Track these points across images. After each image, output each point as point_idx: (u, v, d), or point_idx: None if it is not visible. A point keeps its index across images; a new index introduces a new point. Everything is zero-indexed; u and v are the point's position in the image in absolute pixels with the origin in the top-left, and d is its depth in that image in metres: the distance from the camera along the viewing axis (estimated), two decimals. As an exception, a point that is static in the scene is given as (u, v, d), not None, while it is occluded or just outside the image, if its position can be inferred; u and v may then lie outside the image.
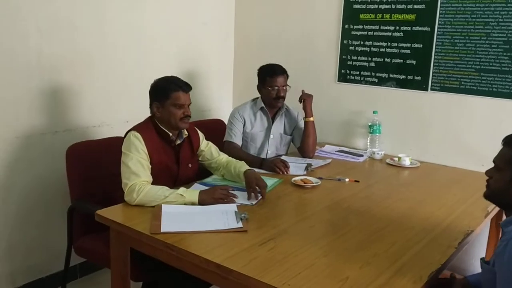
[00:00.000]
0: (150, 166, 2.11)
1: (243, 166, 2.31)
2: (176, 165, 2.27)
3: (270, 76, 2.79)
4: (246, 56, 3.63)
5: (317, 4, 3.30)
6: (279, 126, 2.95)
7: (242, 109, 2.89)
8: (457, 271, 2.03)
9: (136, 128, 2.17)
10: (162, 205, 1.96)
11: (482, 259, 1.60)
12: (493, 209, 2.13)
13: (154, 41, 3.12)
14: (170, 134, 2.23)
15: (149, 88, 2.23)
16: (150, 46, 3.10)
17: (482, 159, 2.57)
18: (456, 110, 2.83)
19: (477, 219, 2.05)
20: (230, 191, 2.09)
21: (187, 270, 1.69)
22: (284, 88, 2.83)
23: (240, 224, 1.84)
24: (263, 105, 2.88)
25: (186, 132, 2.30)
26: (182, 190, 2.02)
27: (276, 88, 2.80)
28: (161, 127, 2.21)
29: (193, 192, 2.03)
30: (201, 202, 2.01)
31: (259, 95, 2.92)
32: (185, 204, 1.99)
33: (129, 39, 2.96)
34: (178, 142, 2.27)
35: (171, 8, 3.19)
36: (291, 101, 2.98)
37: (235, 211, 1.97)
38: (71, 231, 2.37)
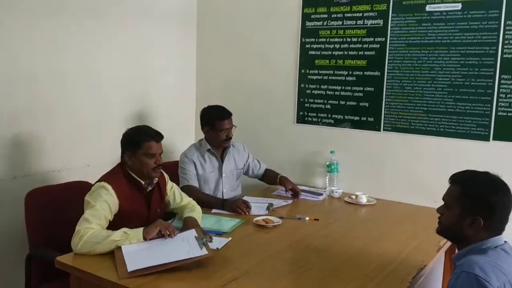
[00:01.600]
0: (109, 218, 2.11)
1: (190, 212, 2.33)
2: (147, 211, 2.28)
3: (220, 120, 2.86)
4: (207, 99, 3.69)
5: (275, 49, 3.46)
6: (229, 163, 3.00)
7: (190, 153, 2.93)
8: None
9: (106, 178, 2.17)
10: (122, 246, 1.94)
11: (435, 292, 1.69)
12: (445, 243, 2.25)
13: (115, 86, 3.16)
14: (142, 182, 2.25)
15: (109, 132, 2.26)
16: (111, 91, 3.14)
17: (434, 195, 2.68)
18: (407, 149, 2.99)
19: (430, 253, 2.15)
20: (171, 227, 2.08)
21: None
22: (232, 128, 2.92)
23: (204, 251, 1.89)
24: (209, 147, 2.93)
25: (156, 179, 2.32)
26: (125, 229, 2.01)
27: (226, 130, 2.88)
28: (133, 175, 2.23)
29: (137, 229, 2.02)
30: (145, 239, 2.00)
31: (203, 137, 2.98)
32: (130, 243, 1.96)
33: (89, 84, 2.99)
34: (149, 189, 2.29)
35: (132, 54, 3.27)
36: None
37: (195, 236, 2.01)
38: (29, 280, 2.30)
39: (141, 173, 2.22)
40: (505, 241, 1.56)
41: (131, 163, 2.21)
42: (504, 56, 2.65)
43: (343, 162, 3.20)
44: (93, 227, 2.00)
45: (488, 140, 2.72)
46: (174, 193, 2.46)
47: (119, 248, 1.94)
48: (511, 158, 2.65)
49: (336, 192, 3.07)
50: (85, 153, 2.95)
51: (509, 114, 2.65)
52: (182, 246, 1.94)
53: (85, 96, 2.98)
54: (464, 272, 1.42)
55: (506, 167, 2.60)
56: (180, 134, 3.69)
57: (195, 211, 2.38)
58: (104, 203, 2.08)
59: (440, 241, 2.22)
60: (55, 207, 2.39)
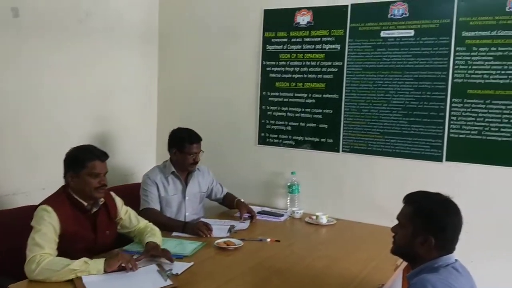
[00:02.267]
0: (57, 240, 2.06)
1: (150, 237, 2.29)
2: (93, 234, 2.23)
3: (190, 143, 2.86)
4: (169, 120, 3.70)
5: (237, 71, 3.50)
6: (193, 187, 2.99)
7: (153, 175, 2.90)
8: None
9: (46, 201, 2.13)
10: (83, 276, 1.90)
11: (391, 310, 1.72)
12: (402, 262, 2.30)
13: (72, 106, 3.10)
14: (85, 204, 2.21)
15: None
16: (69, 111, 3.08)
17: (391, 215, 2.73)
18: (365, 169, 3.07)
19: (387, 272, 2.20)
20: (132, 260, 2.05)
21: None
22: (200, 153, 2.92)
23: (169, 282, 1.89)
24: (173, 169, 2.91)
25: (102, 199, 2.28)
26: (86, 259, 1.97)
27: (194, 154, 2.88)
28: (75, 197, 2.18)
29: (97, 261, 1.98)
30: (106, 272, 1.97)
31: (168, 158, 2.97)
32: (89, 273, 1.92)
33: (46, 104, 2.93)
34: (94, 210, 2.25)
35: (91, 72, 3.22)
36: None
37: (157, 270, 2.01)
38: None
39: (84, 193, 2.18)
40: (456, 260, 1.62)
41: (74, 183, 2.17)
42: (454, 80, 2.79)
43: (304, 182, 3.25)
44: (48, 251, 1.96)
45: (441, 161, 2.84)
46: (129, 216, 2.43)
47: (79, 278, 1.89)
48: (463, 178, 2.77)
49: (297, 212, 3.11)
50: (41, 176, 2.87)
51: (460, 136, 2.78)
52: (146, 279, 1.93)
53: (41, 117, 2.91)
54: (418, 291, 1.47)
55: (458, 187, 2.73)
56: (141, 155, 3.65)
57: (156, 235, 2.34)
58: (49, 226, 2.04)
59: (397, 260, 2.27)
60: (8, 233, 2.30)
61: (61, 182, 2.24)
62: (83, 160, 2.16)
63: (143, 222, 2.47)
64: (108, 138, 3.34)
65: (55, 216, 2.07)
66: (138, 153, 3.62)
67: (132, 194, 2.85)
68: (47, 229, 2.02)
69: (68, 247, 2.04)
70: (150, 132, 3.78)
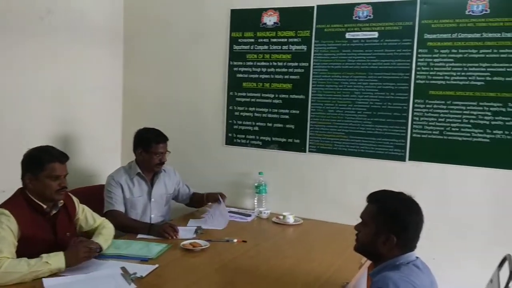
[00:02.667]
0: (16, 243, 2.00)
1: (96, 237, 2.26)
2: (53, 236, 2.17)
3: (156, 143, 2.82)
4: (135, 120, 3.64)
5: (204, 72, 3.48)
6: (159, 188, 2.95)
7: (117, 176, 2.85)
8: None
9: (4, 205, 2.07)
10: (44, 280, 1.86)
11: (355, 308, 1.75)
12: (366, 260, 2.33)
13: (34, 107, 3.01)
14: (44, 206, 2.15)
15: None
16: (31, 112, 2.99)
17: (356, 214, 2.79)
18: (331, 169, 3.11)
19: (352, 271, 2.23)
20: (92, 246, 2.06)
21: None
22: (166, 153, 2.89)
23: (133, 285, 1.88)
24: (139, 170, 2.87)
25: (62, 201, 2.23)
26: (45, 257, 1.94)
27: (161, 154, 2.84)
28: (34, 199, 2.12)
29: (57, 257, 1.96)
30: (68, 266, 1.96)
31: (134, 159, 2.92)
32: (51, 272, 1.91)
33: (4, 103, 2.83)
34: (54, 212, 2.19)
35: (55, 73, 3.14)
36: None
37: (121, 274, 1.98)
38: None
39: (44, 196, 2.12)
40: (416, 257, 1.65)
41: (32, 186, 2.11)
42: (417, 81, 2.85)
43: (271, 183, 3.26)
44: (7, 255, 1.91)
45: (404, 160, 2.90)
46: (86, 216, 2.38)
47: (40, 280, 1.85)
48: (425, 177, 2.84)
49: (264, 213, 3.11)
50: (1, 178, 2.77)
51: (422, 136, 2.85)
52: (109, 282, 1.91)
53: (3, 115, 2.81)
54: (379, 288, 1.50)
55: (421, 185, 2.80)
56: (105, 156, 3.57)
57: (102, 234, 2.29)
58: (7, 230, 1.98)
59: (362, 259, 2.30)
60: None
61: (20, 185, 2.17)
62: (42, 162, 2.10)
63: (99, 221, 2.43)
64: (71, 139, 3.26)
65: (14, 220, 2.00)
66: (103, 154, 3.55)
67: (96, 196, 2.80)
68: (5, 233, 1.97)
69: (27, 251, 1.98)
70: (115, 133, 3.71)
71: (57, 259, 1.95)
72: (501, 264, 2.23)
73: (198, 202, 3.10)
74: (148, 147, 2.83)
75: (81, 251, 2.02)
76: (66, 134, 3.24)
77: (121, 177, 2.84)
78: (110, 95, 3.67)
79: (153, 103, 3.67)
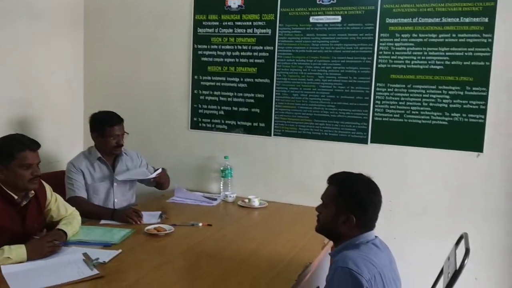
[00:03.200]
0: None
1: (64, 225, 2.22)
2: (21, 227, 2.12)
3: (110, 126, 2.77)
4: (97, 103, 3.54)
5: (168, 55, 3.43)
6: (121, 172, 2.90)
7: (77, 162, 2.80)
8: (303, 302, 2.21)
9: None
10: (1, 267, 1.83)
11: (317, 287, 1.79)
12: (329, 241, 2.38)
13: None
14: (16, 197, 2.09)
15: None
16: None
17: (320, 196, 2.87)
18: (296, 152, 3.14)
19: (315, 251, 2.28)
20: (56, 242, 2.03)
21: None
22: (123, 135, 2.84)
23: (95, 271, 1.85)
24: (99, 154, 2.82)
25: (32, 191, 2.17)
26: (7, 250, 1.89)
27: (117, 136, 2.79)
28: (6, 190, 2.06)
29: (19, 250, 1.92)
30: (30, 260, 1.92)
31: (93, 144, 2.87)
32: (10, 261, 1.88)
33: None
34: (24, 203, 2.14)
35: (12, 56, 3.02)
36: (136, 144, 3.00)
37: (83, 260, 1.96)
38: None
39: (16, 186, 2.07)
40: (376, 236, 1.70)
41: (3, 176, 2.05)
42: (379, 66, 2.90)
43: (237, 167, 3.27)
44: None
45: (366, 143, 2.96)
46: (58, 206, 2.33)
47: None
48: (386, 159, 2.91)
49: (230, 196, 3.12)
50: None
51: (383, 119, 2.91)
52: (71, 268, 1.88)
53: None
54: (339, 267, 1.54)
55: (382, 167, 2.87)
56: (67, 142, 3.49)
57: (72, 224, 2.26)
58: None
59: (325, 239, 2.34)
60: None
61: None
62: (12, 151, 2.04)
63: (70, 210, 2.38)
64: (30, 124, 3.16)
65: None
66: (64, 139, 3.46)
67: (57, 182, 2.73)
68: None
69: None
70: (77, 117, 3.62)
71: (18, 253, 1.91)
72: (458, 242, 2.33)
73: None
74: (103, 130, 2.78)
75: (45, 246, 1.99)
76: (25, 119, 3.14)
77: (81, 163, 2.79)
78: (71, 78, 3.56)
79: (116, 87, 3.60)
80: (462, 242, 2.24)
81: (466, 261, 1.99)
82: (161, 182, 2.92)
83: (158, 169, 2.92)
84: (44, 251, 1.97)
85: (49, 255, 1.98)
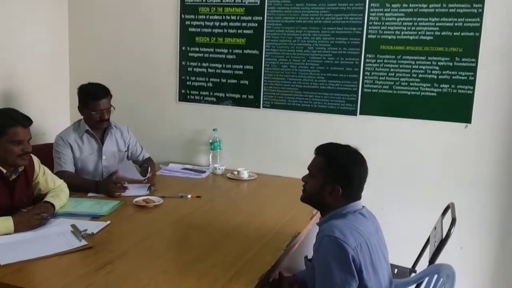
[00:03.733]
0: None
1: (51, 198, 2.21)
2: (10, 201, 2.10)
3: (93, 99, 2.71)
4: (83, 75, 3.49)
5: (155, 25, 3.36)
6: (110, 145, 2.87)
7: (66, 135, 2.75)
8: (292, 271, 2.23)
9: None
10: (-12, 240, 1.82)
11: (305, 257, 1.81)
12: (317, 212, 2.40)
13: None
14: (4, 171, 2.06)
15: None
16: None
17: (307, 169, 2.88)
18: (285, 125, 3.13)
19: (303, 222, 2.29)
20: (44, 214, 2.02)
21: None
22: (109, 110, 2.78)
23: (83, 242, 1.86)
24: (87, 127, 2.78)
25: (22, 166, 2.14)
26: None
27: (100, 111, 2.73)
28: None
29: (6, 222, 1.91)
30: (17, 232, 1.91)
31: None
32: None
33: None
34: (13, 177, 2.11)
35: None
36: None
37: (71, 231, 1.96)
38: None
39: (5, 161, 2.04)
40: (363, 206, 1.71)
41: None
42: (369, 36, 2.87)
43: (226, 139, 3.25)
44: None
45: (355, 114, 2.95)
46: (46, 179, 2.31)
47: None
48: (375, 131, 2.91)
49: (219, 169, 3.12)
50: None
51: (372, 90, 2.89)
52: (59, 240, 1.88)
53: None
54: (326, 236, 1.55)
55: (370, 139, 2.88)
56: (53, 114, 3.44)
57: (59, 197, 2.25)
58: None
59: (313, 210, 2.36)
60: None
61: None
62: (3, 127, 2.00)
63: (58, 183, 2.37)
64: (13, 96, 3.10)
65: None
66: (49, 112, 3.40)
67: (43, 156, 2.69)
68: None
69: None
70: (62, 89, 3.55)
71: (5, 225, 1.90)
72: (444, 212, 2.36)
73: (142, 172, 2.84)
74: (86, 103, 2.73)
75: (33, 219, 1.98)
76: (8, 90, 3.08)
77: (69, 136, 2.75)
78: (55, 48, 3.48)
79: (102, 57, 3.53)
80: (449, 212, 2.28)
81: (452, 230, 2.02)
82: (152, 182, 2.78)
83: (148, 170, 2.77)
84: (31, 223, 1.96)
85: (36, 227, 1.98)
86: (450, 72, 2.73)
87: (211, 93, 3.29)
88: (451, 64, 2.73)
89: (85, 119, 2.79)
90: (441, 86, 2.76)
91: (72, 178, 2.63)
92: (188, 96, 3.35)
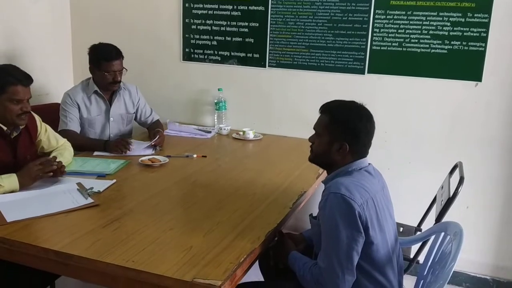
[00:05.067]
0: None
1: (57, 156, 2.20)
2: (13, 159, 2.09)
3: (106, 60, 2.66)
4: (85, 35, 3.44)
5: (157, -19, 3.27)
6: (118, 107, 2.84)
7: (74, 93, 2.72)
8: (298, 230, 2.25)
9: None
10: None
11: (310, 215, 1.80)
12: (324, 171, 2.39)
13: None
14: (5, 128, 2.04)
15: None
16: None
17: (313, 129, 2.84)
18: (291, 84, 3.07)
19: (309, 180, 2.29)
20: (46, 162, 2.02)
21: (25, 263, 1.60)
22: (121, 72, 2.74)
23: (90, 199, 1.86)
24: (96, 88, 2.73)
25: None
26: None
27: (113, 73, 2.69)
28: None
29: (10, 179, 1.91)
30: (22, 187, 1.92)
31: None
32: (5, 193, 1.87)
33: None
34: (15, 134, 2.10)
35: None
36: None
37: (77, 189, 1.96)
38: None
39: (4, 119, 2.02)
40: (369, 164, 1.69)
41: None
42: (378, -9, 2.77)
43: (231, 99, 3.21)
44: None
45: (363, 73, 2.89)
46: (48, 137, 2.30)
47: None
48: (383, 89, 2.85)
49: (224, 129, 3.10)
50: None
51: (381, 48, 2.82)
52: (66, 198, 1.88)
53: None
54: (331, 193, 1.54)
55: (378, 97, 2.83)
56: (56, 74, 3.39)
57: (63, 155, 2.24)
58: None
59: (319, 169, 2.35)
60: None
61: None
62: (3, 84, 1.97)
63: (61, 141, 2.36)
64: (16, 55, 3.05)
65: None
66: (52, 71, 3.36)
67: (47, 116, 2.66)
68: None
69: None
70: (65, 48, 3.49)
71: (10, 181, 1.91)
72: (451, 171, 2.34)
73: (150, 135, 2.83)
74: (99, 64, 2.68)
75: (33, 169, 1.97)
76: (11, 50, 3.03)
77: (78, 95, 2.72)
78: (55, 6, 3.39)
79: (104, 15, 3.44)
80: (456, 171, 2.26)
81: (460, 189, 2.01)
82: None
83: (156, 136, 2.71)
84: (32, 174, 1.96)
85: (38, 178, 1.97)
86: (461, 29, 2.65)
87: (216, 52, 3.22)
88: (463, 20, 2.64)
89: (96, 80, 2.74)
90: (452, 43, 2.68)
91: (77, 137, 2.62)
92: (192, 55, 3.28)
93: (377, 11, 2.78)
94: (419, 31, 2.72)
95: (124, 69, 2.76)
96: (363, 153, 1.67)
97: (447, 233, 1.73)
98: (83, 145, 2.56)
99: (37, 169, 1.97)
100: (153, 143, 2.63)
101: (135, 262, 1.43)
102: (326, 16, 2.90)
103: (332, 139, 1.64)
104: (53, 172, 2.03)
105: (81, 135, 2.71)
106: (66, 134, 2.56)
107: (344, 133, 1.63)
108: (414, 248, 2.20)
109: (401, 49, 2.77)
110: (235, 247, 1.56)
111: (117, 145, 2.51)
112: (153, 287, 1.40)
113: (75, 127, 2.69)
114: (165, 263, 1.43)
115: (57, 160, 2.12)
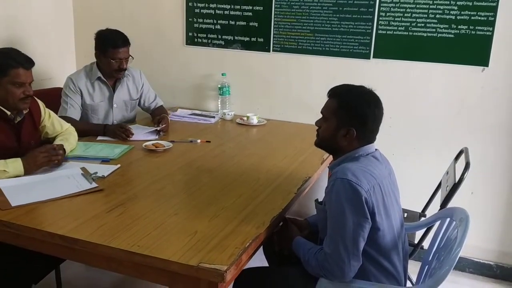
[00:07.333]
0: None
1: (62, 141, 2.19)
2: (17, 144, 2.08)
3: (113, 48, 2.62)
4: (88, 19, 3.41)
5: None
6: (122, 93, 2.81)
7: (77, 79, 2.69)
8: (302, 215, 2.24)
9: None
10: (-1, 181, 1.82)
11: (316, 200, 1.80)
12: (329, 156, 2.38)
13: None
14: (8, 113, 2.02)
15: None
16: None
17: (320, 113, 2.82)
18: (295, 69, 3.05)
19: (314, 166, 2.27)
20: (52, 150, 2.01)
21: (30, 247, 1.60)
22: (127, 59, 2.71)
23: (94, 184, 1.86)
24: (100, 74, 2.70)
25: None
26: (3, 164, 1.87)
27: (119, 60, 2.65)
28: None
29: (15, 163, 1.90)
30: (27, 173, 1.91)
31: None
32: (8, 176, 1.87)
33: None
34: (18, 119, 2.08)
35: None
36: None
37: (82, 174, 1.95)
38: None
39: (7, 103, 2.00)
40: (376, 149, 1.68)
41: None
42: (385, -26, 2.73)
43: (235, 84, 3.19)
44: None
45: (368, 58, 2.86)
46: (52, 122, 2.28)
47: None
48: (388, 74, 2.83)
49: (228, 114, 3.08)
50: None
51: (387, 32, 2.78)
52: (70, 182, 1.88)
53: None
54: (338, 179, 1.52)
55: (383, 83, 2.80)
56: (59, 58, 3.37)
57: (68, 140, 2.23)
58: None
59: (324, 154, 2.34)
60: None
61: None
62: (5, 67, 1.94)
63: (66, 126, 2.34)
64: (18, 40, 3.02)
65: None
66: (55, 56, 3.34)
67: (50, 101, 2.64)
68: None
69: None
70: (67, 33, 3.47)
71: (15, 166, 1.90)
72: (457, 157, 2.33)
73: (154, 120, 2.82)
74: (105, 51, 2.64)
75: (39, 156, 1.96)
76: (14, 36, 3.00)
77: (81, 81, 2.69)
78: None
79: (106, 0, 3.41)
80: (462, 157, 2.24)
81: (466, 175, 1.99)
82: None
83: (162, 124, 2.68)
84: (38, 161, 1.95)
85: (44, 165, 1.97)
86: (469, 12, 2.61)
87: (219, 36, 3.19)
88: (470, 3, 2.60)
89: (101, 66, 2.71)
90: (459, 27, 2.64)
91: (77, 123, 2.57)
92: (196, 40, 3.25)
93: (383, -6, 2.74)
94: (426, 15, 2.69)
95: (130, 57, 2.73)
96: (371, 139, 1.66)
97: (452, 219, 1.72)
98: (84, 130, 2.54)
99: (43, 157, 1.96)
100: (159, 129, 2.62)
101: (140, 246, 1.42)
102: (331, 0, 2.86)
103: (339, 124, 1.63)
104: (58, 161, 2.02)
105: (80, 121, 2.67)
106: (66, 120, 2.53)
107: (351, 118, 1.61)
108: (418, 233, 2.20)
109: (407, 33, 2.74)
110: (240, 232, 1.56)
111: (116, 132, 2.49)
112: (159, 272, 1.40)
113: (74, 114, 2.66)
114: (171, 248, 1.42)
115: (63, 145, 2.11)
